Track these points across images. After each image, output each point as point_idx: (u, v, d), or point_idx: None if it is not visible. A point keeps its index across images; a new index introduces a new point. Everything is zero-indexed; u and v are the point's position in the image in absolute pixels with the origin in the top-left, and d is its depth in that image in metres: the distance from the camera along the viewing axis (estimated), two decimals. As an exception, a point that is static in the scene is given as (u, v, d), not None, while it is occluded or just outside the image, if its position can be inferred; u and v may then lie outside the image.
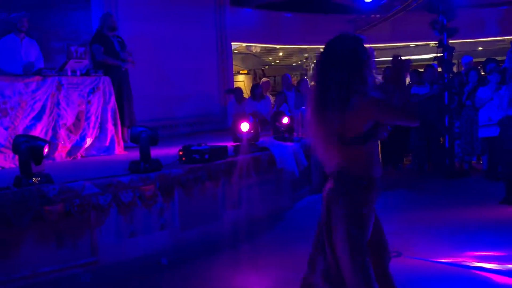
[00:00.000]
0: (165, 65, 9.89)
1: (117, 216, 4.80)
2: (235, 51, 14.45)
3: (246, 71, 20.18)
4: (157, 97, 9.61)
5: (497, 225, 5.60)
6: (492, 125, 7.79)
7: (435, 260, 4.57)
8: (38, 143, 4.55)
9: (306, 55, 18.55)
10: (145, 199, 4.98)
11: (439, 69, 9.00)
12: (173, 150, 6.03)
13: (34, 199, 4.19)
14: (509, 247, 4.78)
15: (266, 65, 20.77)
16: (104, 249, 4.69)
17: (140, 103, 8.16)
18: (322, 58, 2.73)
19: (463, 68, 9.85)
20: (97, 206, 4.59)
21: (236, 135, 6.56)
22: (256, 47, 15.35)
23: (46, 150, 4.54)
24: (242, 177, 5.92)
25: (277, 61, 20.62)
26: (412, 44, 16.29)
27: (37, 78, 6.08)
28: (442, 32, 8.62)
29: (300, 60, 20.60)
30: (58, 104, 6.21)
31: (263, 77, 21.02)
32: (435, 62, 9.00)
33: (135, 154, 5.56)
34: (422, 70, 9.66)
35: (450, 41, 8.67)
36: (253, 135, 6.59)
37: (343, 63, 2.62)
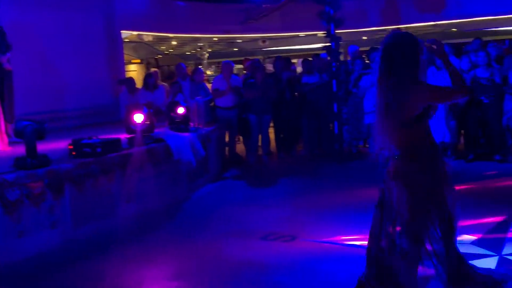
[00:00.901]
0: (50, 54, 9.38)
1: (2, 216, 4.50)
2: (126, 40, 14.02)
3: (138, 61, 19.69)
4: (43, 89, 9.09)
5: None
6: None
7: (325, 240, 4.78)
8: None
9: (200, 44, 18.48)
10: (33, 196, 4.72)
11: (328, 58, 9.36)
12: (63, 144, 5.78)
13: None
14: None
15: (159, 54, 20.41)
16: (-10, 251, 4.40)
17: (24, 95, 7.70)
18: (386, 52, 3.05)
19: (349, 57, 10.30)
20: (-20, 207, 4.29)
21: (129, 126, 6.40)
22: (148, 35, 15.01)
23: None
24: (137, 170, 5.81)
25: (171, 50, 20.34)
26: (301, 34, 16.77)
27: None
28: (329, 22, 8.94)
29: (194, 49, 20.48)
30: None
31: (156, 67, 20.67)
32: (324, 52, 9.34)
33: (21, 150, 5.24)
34: (311, 59, 10.01)
35: (337, 31, 9.02)
36: (148, 126, 6.47)
37: (407, 56, 3.01)
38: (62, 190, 4.99)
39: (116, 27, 11.21)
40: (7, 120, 6.84)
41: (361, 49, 11.31)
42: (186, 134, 7.08)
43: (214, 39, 17.75)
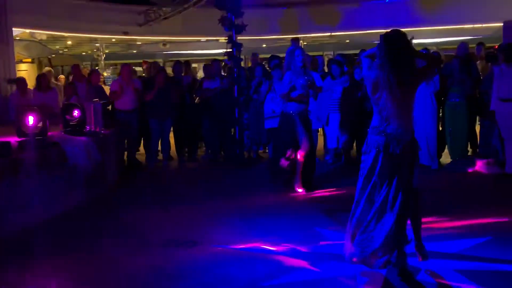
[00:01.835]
0: None
1: None
2: (17, 38, 13.24)
3: (30, 60, 18.66)
4: None
5: (279, 209, 6.10)
6: (275, 117, 8.44)
7: (227, 245, 4.81)
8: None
9: (97, 44, 17.88)
10: None
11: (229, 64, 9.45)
12: None
13: None
14: (286, 230, 5.23)
15: (53, 54, 19.48)
16: None
17: None
18: (391, 47, 3.88)
19: (250, 64, 10.48)
20: None
21: (20, 129, 6.05)
22: (41, 34, 14.28)
23: None
24: (30, 175, 5.48)
25: (65, 50, 19.49)
26: (203, 38, 16.79)
27: None
28: (230, 28, 9.04)
29: (91, 50, 19.79)
30: None
31: (49, 67, 19.68)
32: (225, 57, 9.41)
33: None
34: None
35: (238, 38, 9.14)
36: (41, 129, 6.14)
37: (408, 49, 3.97)
38: None
39: (7, 24, 10.53)
40: None
41: (261, 56, 11.56)
42: (82, 138, 6.82)
43: (112, 40, 17.27)
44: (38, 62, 19.11)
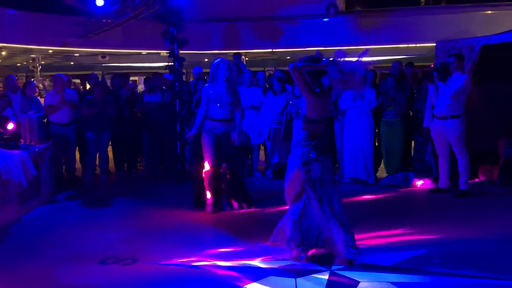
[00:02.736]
0: None
1: None
2: None
3: (-41, 70, 17.86)
4: None
5: (219, 224, 6.08)
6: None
7: (168, 263, 4.74)
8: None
9: (33, 55, 17.34)
10: None
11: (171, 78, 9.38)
12: None
13: None
14: (226, 245, 5.24)
15: (-15, 64, 18.73)
16: None
17: None
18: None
19: (193, 78, 10.45)
20: None
21: (-51, 142, 5.77)
22: (-28, 43, 13.71)
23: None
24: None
25: (-1, 60, 18.78)
26: (144, 51, 16.62)
27: None
28: (173, 42, 8.99)
29: (26, 61, 19.15)
30: None
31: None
32: (167, 71, 9.35)
33: None
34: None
35: (180, 52, 9.11)
36: (-29, 143, 5.88)
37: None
38: None
39: None
40: None
41: (204, 70, 11.55)
42: (16, 151, 6.57)
43: (49, 51, 16.79)
44: (-32, 72, 18.32)
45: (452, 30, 12.37)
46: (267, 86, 9.47)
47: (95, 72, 12.77)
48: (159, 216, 6.52)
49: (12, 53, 17.25)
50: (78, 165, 9.30)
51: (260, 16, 14.75)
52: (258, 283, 4.23)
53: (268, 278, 4.32)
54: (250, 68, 11.62)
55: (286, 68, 14.29)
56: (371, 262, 4.53)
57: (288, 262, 4.65)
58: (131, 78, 12.31)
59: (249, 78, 9.14)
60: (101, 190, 8.44)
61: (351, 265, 4.49)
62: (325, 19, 14.27)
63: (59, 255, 5.04)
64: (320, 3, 14.24)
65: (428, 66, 8.67)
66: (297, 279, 4.25)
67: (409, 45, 14.68)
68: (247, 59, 16.43)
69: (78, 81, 19.45)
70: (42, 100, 9.80)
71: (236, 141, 6.69)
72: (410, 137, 8.66)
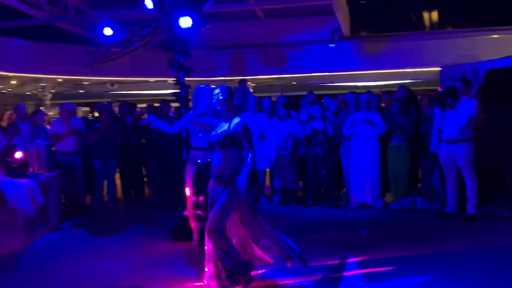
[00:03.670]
0: None
1: None
2: (-43, 77, 12.88)
3: (-31, 99, 18.12)
4: None
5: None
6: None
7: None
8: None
9: (42, 84, 17.57)
10: None
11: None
12: None
13: None
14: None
15: (-5, 93, 18.98)
16: None
17: None
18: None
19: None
20: None
21: (-42, 172, 5.83)
22: (-17, 74, 13.93)
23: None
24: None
25: (9, 89, 19.03)
26: (151, 79, 16.80)
27: None
28: (179, 70, 9.10)
29: (36, 89, 19.40)
30: None
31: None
32: (173, 98, 9.43)
33: None
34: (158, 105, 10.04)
35: (186, 79, 9.20)
36: (-20, 172, 5.94)
37: None
38: None
39: None
40: None
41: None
42: (24, 180, 6.62)
43: (59, 80, 17.02)
44: (-22, 101, 18.56)
45: (457, 54, 12.45)
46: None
47: (103, 100, 12.93)
48: (165, 244, 6.51)
49: (22, 82, 17.49)
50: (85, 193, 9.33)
51: (265, 43, 14.89)
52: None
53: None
54: (256, 94, 11.70)
55: (292, 94, 14.41)
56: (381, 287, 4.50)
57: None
58: (139, 106, 12.43)
59: (255, 104, 9.21)
60: (108, 218, 8.45)
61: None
62: (331, 45, 14.38)
63: (66, 284, 5.04)
64: (325, 29, 14.36)
65: (434, 91, 8.71)
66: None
67: (415, 70, 14.73)
68: (253, 84, 16.54)
69: (87, 109, 19.67)
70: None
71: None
72: (417, 161, 8.64)
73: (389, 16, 16.46)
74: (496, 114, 7.77)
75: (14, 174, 6.73)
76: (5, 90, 18.94)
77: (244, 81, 11.86)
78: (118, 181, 9.49)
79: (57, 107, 20.38)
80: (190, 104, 9.94)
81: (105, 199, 9.28)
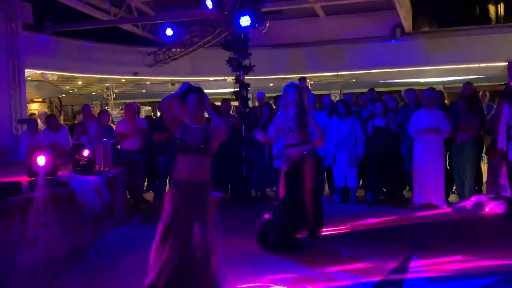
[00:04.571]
0: None
1: None
2: (29, 78, 13.52)
3: (40, 100, 18.99)
4: None
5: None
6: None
7: (237, 286, 4.78)
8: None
9: (107, 84, 18.19)
10: None
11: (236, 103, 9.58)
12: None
13: None
14: (293, 269, 5.21)
15: (63, 94, 19.80)
16: None
17: None
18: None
19: (257, 103, 10.58)
20: None
21: (31, 169, 6.12)
22: (53, 75, 14.57)
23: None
24: (39, 215, 5.52)
25: (76, 89, 19.82)
26: (211, 78, 17.05)
27: None
28: (238, 69, 9.21)
29: (101, 90, 20.11)
30: None
31: (60, 106, 19.98)
32: (233, 97, 9.55)
33: None
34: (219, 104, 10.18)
35: (245, 78, 9.29)
36: (51, 169, 6.21)
37: None
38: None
39: (20, 65, 10.79)
40: None
41: (268, 95, 11.68)
42: (91, 177, 6.86)
43: (122, 80, 17.57)
44: (48, 101, 19.44)
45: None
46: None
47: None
48: (225, 239, 6.57)
49: (88, 83, 18.18)
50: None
51: (325, 40, 14.79)
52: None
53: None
54: (315, 92, 11.65)
55: (352, 91, 14.26)
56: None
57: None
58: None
59: (314, 102, 9.16)
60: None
61: None
62: (392, 41, 14.11)
63: (132, 279, 5.19)
64: (386, 25, 14.12)
65: (505, 85, 8.38)
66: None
67: (480, 65, 14.23)
68: (312, 82, 16.47)
69: (149, 108, 20.19)
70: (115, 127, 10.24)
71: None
72: (483, 159, 8.35)
73: (452, 10, 15.94)
74: None
75: (82, 171, 6.99)
76: (72, 90, 19.75)
77: (304, 78, 11.83)
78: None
79: (120, 107, 21.11)
80: (250, 103, 10.08)
81: (168, 196, 9.47)
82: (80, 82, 17.94)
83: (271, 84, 17.54)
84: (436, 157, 7.99)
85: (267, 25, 9.50)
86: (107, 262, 5.82)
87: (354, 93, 13.31)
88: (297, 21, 14.82)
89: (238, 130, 9.14)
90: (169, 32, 13.18)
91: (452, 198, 8.41)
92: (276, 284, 4.80)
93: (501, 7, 16.55)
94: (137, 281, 5.08)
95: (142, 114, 14.82)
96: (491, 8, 16.74)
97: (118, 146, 9.20)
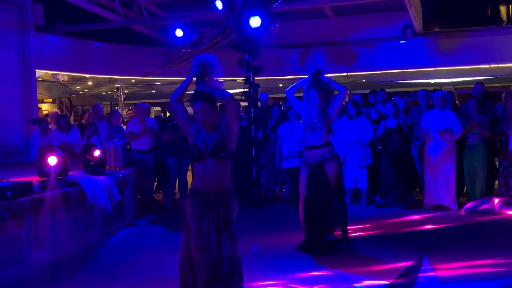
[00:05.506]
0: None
1: None
2: (40, 79, 13.59)
3: (50, 100, 19.10)
4: None
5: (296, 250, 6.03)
6: (293, 157, 8.50)
7: (250, 285, 4.77)
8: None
9: (117, 85, 18.25)
10: None
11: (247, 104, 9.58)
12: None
13: None
14: (316, 269, 5.21)
15: (74, 94, 19.90)
16: None
17: None
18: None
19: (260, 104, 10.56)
20: None
21: (42, 169, 6.15)
22: (63, 75, 14.64)
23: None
24: (50, 214, 5.55)
25: (86, 90, 19.91)
26: (221, 79, 17.01)
27: None
28: (248, 69, 9.20)
29: (111, 90, 20.18)
30: None
31: (70, 107, 20.09)
32: (242, 98, 9.54)
33: None
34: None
35: (255, 78, 9.29)
36: (62, 169, 6.24)
37: None
38: (-34, 236, 4.68)
39: (31, 66, 10.86)
40: None
41: (277, 96, 11.66)
42: (101, 177, 6.89)
43: (132, 80, 17.62)
44: (59, 102, 19.55)
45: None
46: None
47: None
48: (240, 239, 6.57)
49: (98, 83, 18.25)
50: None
51: (334, 41, 14.73)
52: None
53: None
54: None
55: (362, 92, 14.21)
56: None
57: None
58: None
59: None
60: (180, 214, 8.62)
61: None
62: (402, 41, 14.03)
63: (141, 278, 5.20)
64: (396, 25, 14.03)
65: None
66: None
67: (491, 66, 14.11)
68: (321, 83, 16.40)
69: (158, 108, 20.24)
70: (125, 127, 10.28)
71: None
72: (494, 160, 8.29)
73: (463, 10, 15.84)
74: None
75: (92, 171, 7.02)
76: (82, 90, 19.83)
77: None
78: (189, 179, 9.69)
79: (130, 107, 21.18)
80: (259, 103, 10.07)
81: (177, 196, 9.51)
82: (90, 83, 18.01)
83: (280, 85, 17.51)
84: (447, 158, 7.94)
85: (277, 25, 9.48)
86: (117, 262, 5.85)
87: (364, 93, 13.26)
88: (306, 22, 14.76)
89: (248, 131, 9.14)
90: (179, 33, 13.18)
91: (463, 199, 8.35)
92: (294, 283, 4.79)
93: (513, 8, 16.45)
94: (146, 281, 5.11)
95: (152, 115, 14.87)
96: (503, 9, 16.61)
97: (129, 146, 9.24)
